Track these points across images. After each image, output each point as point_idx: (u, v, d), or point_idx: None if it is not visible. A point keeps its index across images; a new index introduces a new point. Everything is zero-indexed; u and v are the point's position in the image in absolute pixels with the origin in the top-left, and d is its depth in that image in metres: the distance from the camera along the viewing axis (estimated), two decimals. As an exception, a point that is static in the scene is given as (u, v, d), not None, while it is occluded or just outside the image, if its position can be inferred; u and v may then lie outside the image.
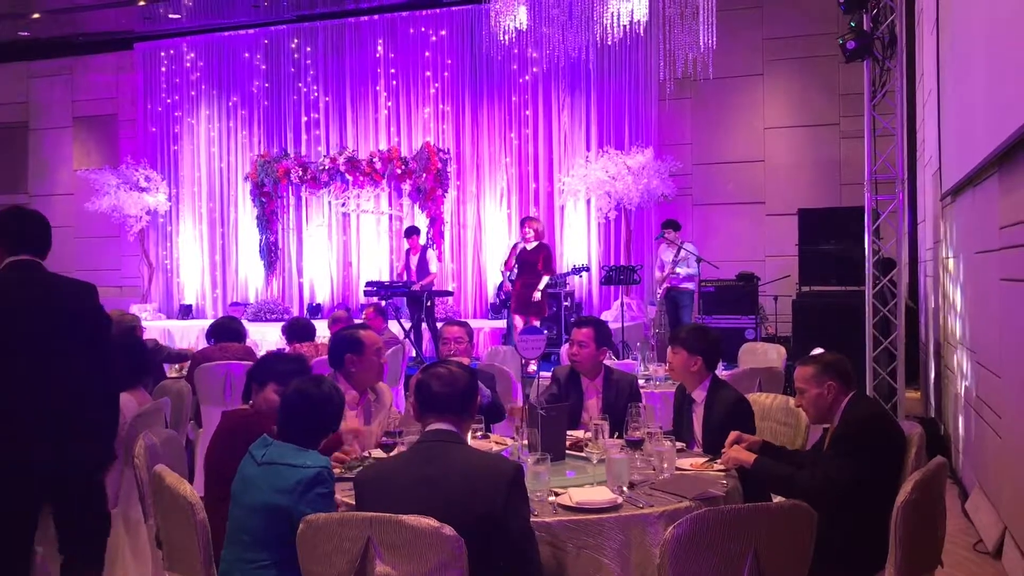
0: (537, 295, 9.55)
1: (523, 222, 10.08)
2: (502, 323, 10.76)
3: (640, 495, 3.13)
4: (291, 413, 2.98)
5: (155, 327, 11.70)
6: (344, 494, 2.98)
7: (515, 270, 9.73)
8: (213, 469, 3.26)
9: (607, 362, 4.84)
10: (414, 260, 11.13)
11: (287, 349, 6.64)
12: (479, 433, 3.78)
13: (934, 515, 2.88)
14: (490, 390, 4.13)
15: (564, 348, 6.82)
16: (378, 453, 3.60)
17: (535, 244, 9.69)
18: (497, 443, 3.74)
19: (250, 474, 2.88)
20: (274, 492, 2.79)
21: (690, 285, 10.20)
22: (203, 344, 8.41)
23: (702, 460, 3.57)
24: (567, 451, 3.79)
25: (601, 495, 3.06)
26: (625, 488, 3.17)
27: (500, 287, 10.73)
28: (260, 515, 2.81)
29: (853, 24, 7.20)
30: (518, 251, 9.84)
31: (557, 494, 3.10)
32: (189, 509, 2.79)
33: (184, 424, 5.15)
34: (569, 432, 3.96)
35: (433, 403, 2.85)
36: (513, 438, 3.82)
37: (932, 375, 7.98)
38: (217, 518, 2.93)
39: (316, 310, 13.04)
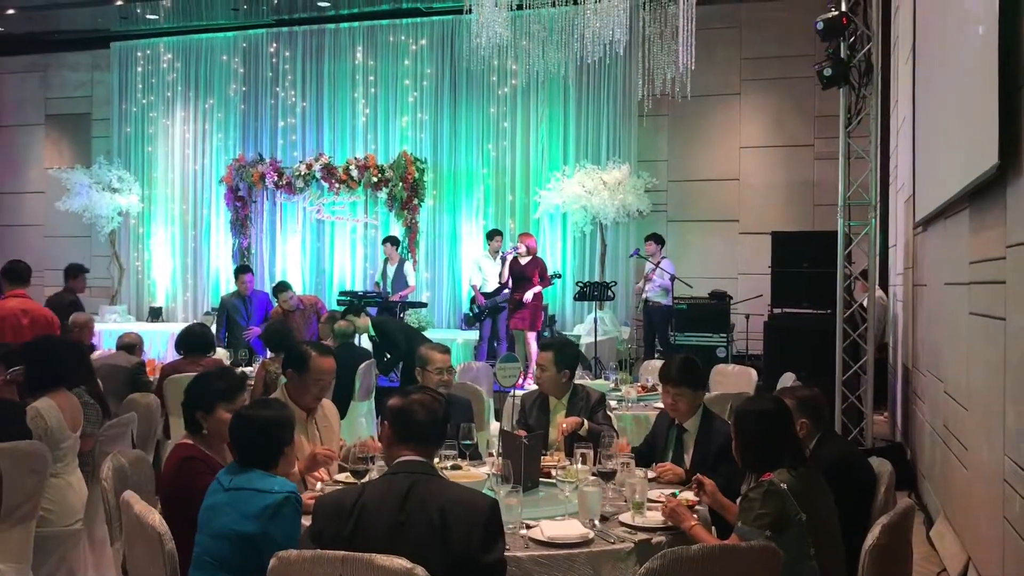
0: (529, 295, 9.79)
1: (519, 237, 10.52)
2: (475, 335, 10.78)
3: (611, 529, 3.13)
4: (244, 440, 2.98)
5: (124, 330, 11.52)
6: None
7: (509, 282, 10.08)
8: (167, 503, 3.19)
9: (579, 381, 4.88)
10: (391, 270, 11.11)
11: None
12: (450, 464, 3.75)
13: (901, 558, 2.91)
14: (469, 425, 4.08)
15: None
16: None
17: (528, 258, 9.90)
18: (467, 477, 3.68)
19: (218, 500, 2.87)
20: (241, 518, 2.79)
21: (663, 301, 10.28)
22: (171, 352, 8.40)
23: (671, 491, 3.57)
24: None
25: (572, 529, 3.06)
26: (596, 521, 3.18)
27: (472, 299, 10.79)
28: (227, 541, 2.79)
29: (831, 52, 7.28)
30: (510, 265, 10.10)
31: (529, 526, 3.10)
32: (157, 539, 2.75)
33: (153, 439, 5.10)
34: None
35: (415, 433, 2.81)
36: (487, 475, 3.76)
37: (900, 399, 8.07)
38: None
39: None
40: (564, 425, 4.36)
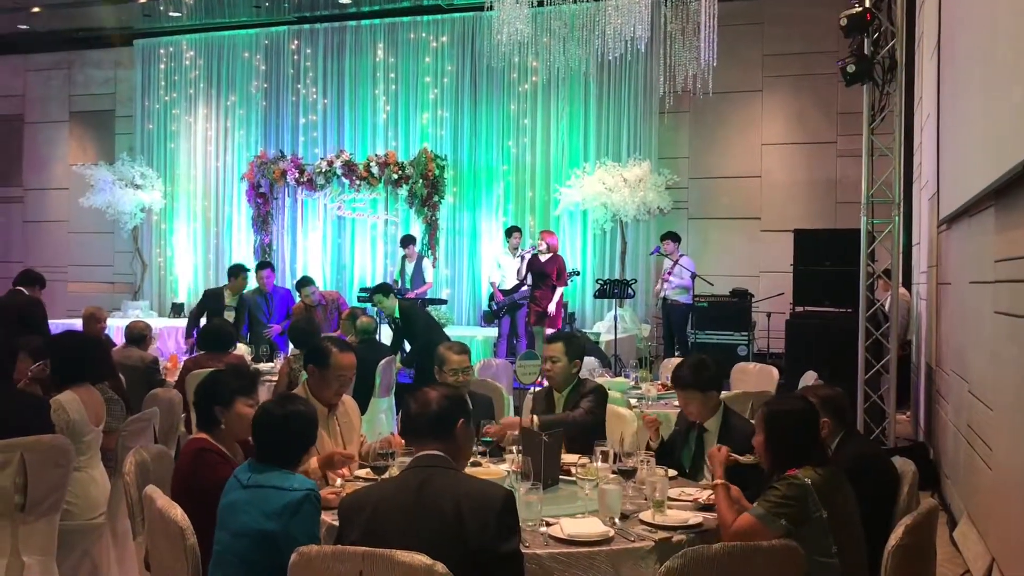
0: (552, 307, 9.92)
1: (539, 234, 10.61)
2: (494, 332, 10.78)
3: (632, 527, 3.12)
4: (268, 435, 2.97)
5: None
6: (332, 516, 2.96)
7: (526, 279, 10.20)
8: (187, 497, 3.19)
9: (600, 379, 4.87)
10: (410, 267, 11.13)
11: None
12: (470, 460, 3.74)
13: (925, 559, 2.89)
14: (489, 422, 4.08)
15: None
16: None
17: (548, 256, 9.91)
18: (487, 474, 3.68)
19: (237, 498, 2.86)
20: (261, 516, 2.78)
21: (683, 299, 10.23)
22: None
23: (693, 490, 3.55)
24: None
25: (593, 527, 3.05)
26: (617, 519, 3.16)
27: (491, 296, 10.81)
28: (247, 539, 2.79)
29: (854, 48, 7.21)
30: (530, 261, 10.17)
31: (549, 524, 3.09)
32: (179, 534, 2.76)
33: (174, 435, 5.13)
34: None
35: (411, 426, 2.83)
36: (506, 472, 3.77)
37: (923, 398, 8.00)
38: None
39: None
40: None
